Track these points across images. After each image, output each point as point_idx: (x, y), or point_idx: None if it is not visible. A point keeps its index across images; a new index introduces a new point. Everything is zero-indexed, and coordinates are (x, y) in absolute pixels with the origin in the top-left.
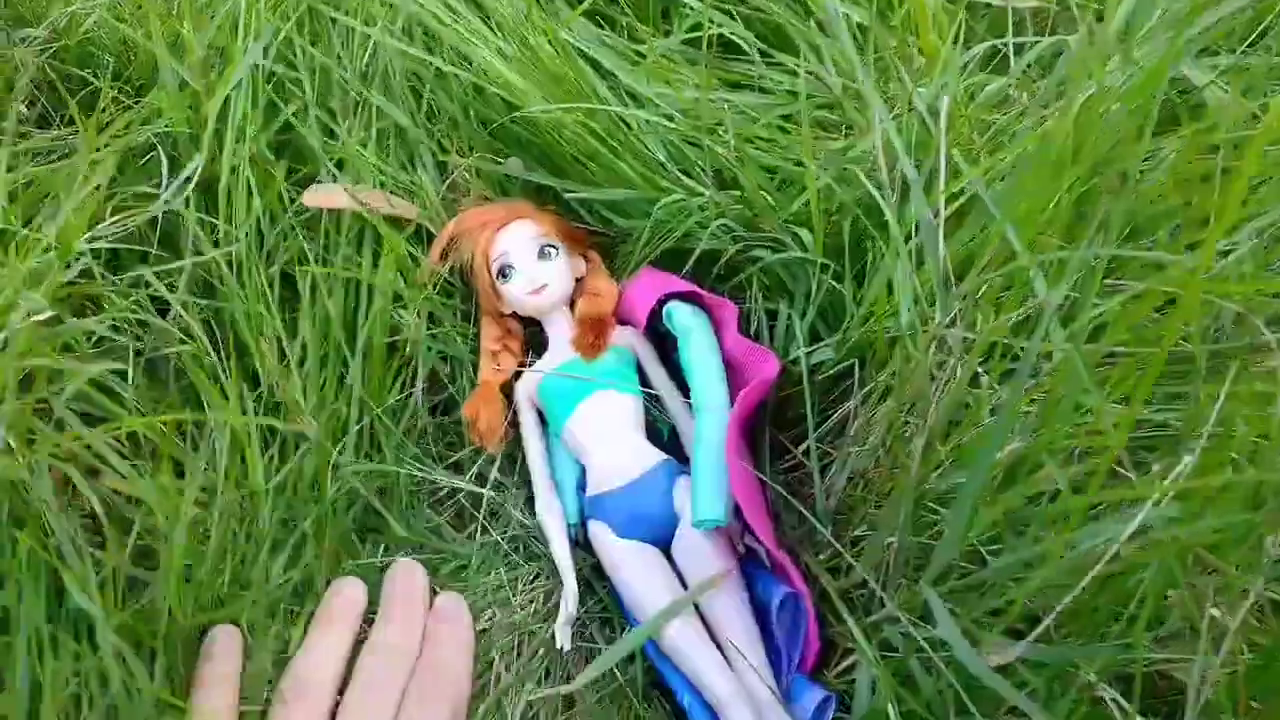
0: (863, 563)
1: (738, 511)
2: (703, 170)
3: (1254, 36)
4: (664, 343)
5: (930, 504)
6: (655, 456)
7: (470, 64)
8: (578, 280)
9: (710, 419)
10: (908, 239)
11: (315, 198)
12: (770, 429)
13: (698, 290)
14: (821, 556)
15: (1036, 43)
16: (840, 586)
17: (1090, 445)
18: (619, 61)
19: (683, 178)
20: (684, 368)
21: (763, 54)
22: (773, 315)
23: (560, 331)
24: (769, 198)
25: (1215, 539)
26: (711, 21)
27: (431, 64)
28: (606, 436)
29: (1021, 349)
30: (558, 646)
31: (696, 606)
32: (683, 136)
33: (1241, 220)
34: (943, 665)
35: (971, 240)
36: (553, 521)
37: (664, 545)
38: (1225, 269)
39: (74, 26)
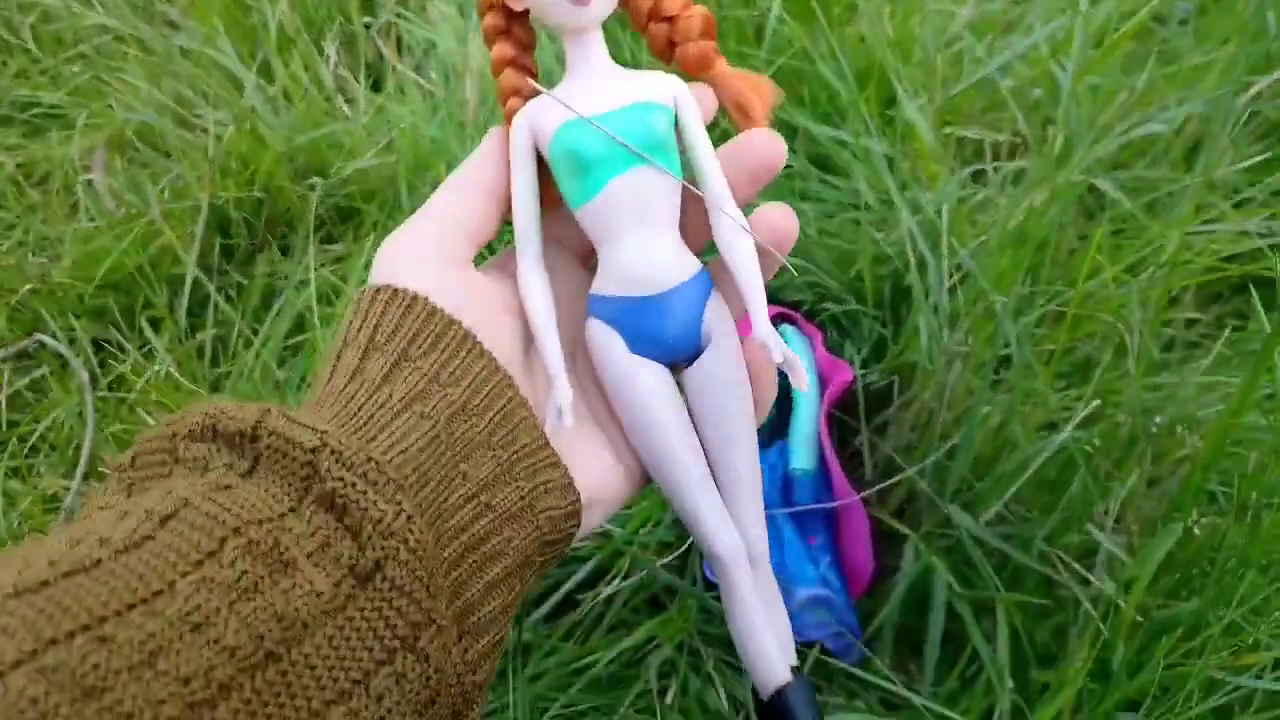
0: (894, 498)
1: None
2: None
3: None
4: None
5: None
6: (694, 264)
7: None
8: None
9: (808, 404)
10: (927, 297)
11: None
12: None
13: (799, 317)
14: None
15: (1002, 167)
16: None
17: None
18: None
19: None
20: None
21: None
22: (841, 347)
23: (587, 58)
24: (834, 268)
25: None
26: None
27: None
28: (643, 226)
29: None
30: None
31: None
32: None
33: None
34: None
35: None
36: (537, 281)
37: (671, 365)
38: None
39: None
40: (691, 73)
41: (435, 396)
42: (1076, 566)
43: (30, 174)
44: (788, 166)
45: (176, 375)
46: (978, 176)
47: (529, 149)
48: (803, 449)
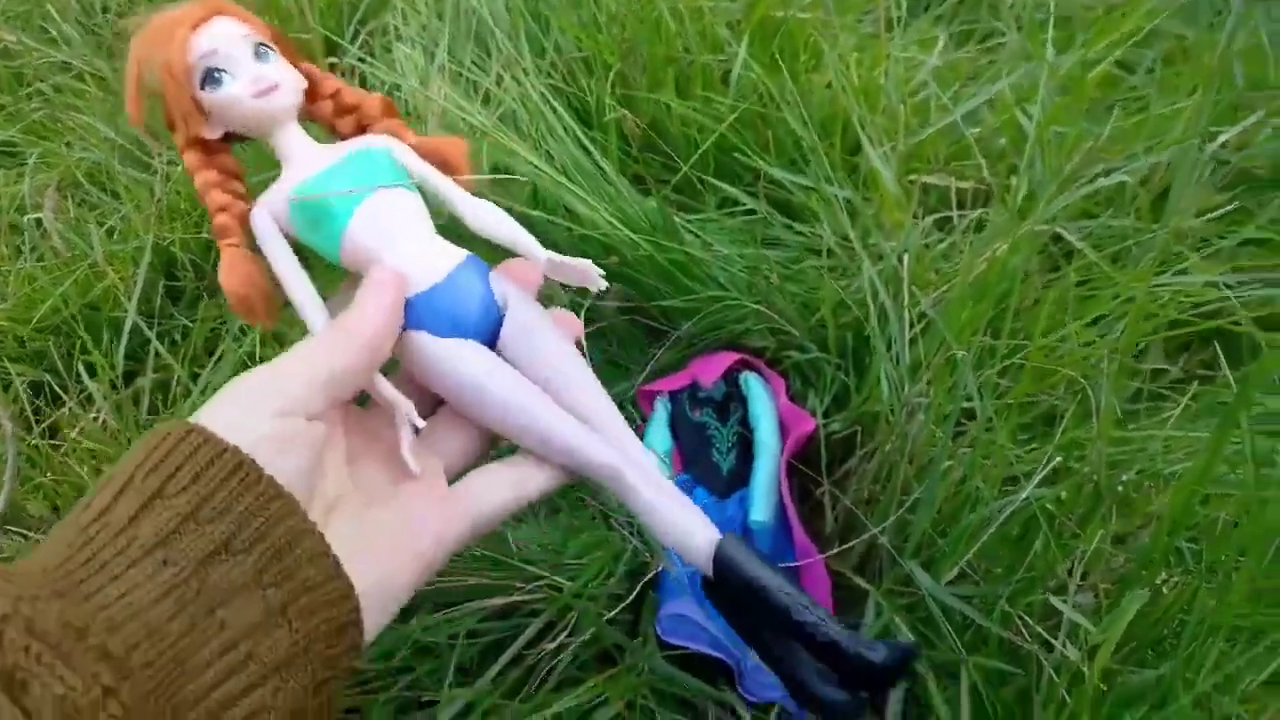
0: (855, 551)
1: None
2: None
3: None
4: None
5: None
6: (461, 251)
7: (577, 217)
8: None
9: (768, 455)
10: (889, 348)
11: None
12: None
13: (762, 365)
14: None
15: (967, 215)
16: (848, 566)
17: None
18: (687, 220)
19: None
20: (752, 416)
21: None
22: (804, 396)
23: (295, 146)
24: (796, 315)
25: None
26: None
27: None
28: (400, 235)
29: (950, 409)
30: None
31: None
32: (739, 271)
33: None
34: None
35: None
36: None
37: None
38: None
39: None
40: None
41: (188, 537)
42: (1040, 630)
43: None
44: (750, 211)
45: (113, 423)
46: (943, 224)
47: (275, 231)
48: (763, 500)
